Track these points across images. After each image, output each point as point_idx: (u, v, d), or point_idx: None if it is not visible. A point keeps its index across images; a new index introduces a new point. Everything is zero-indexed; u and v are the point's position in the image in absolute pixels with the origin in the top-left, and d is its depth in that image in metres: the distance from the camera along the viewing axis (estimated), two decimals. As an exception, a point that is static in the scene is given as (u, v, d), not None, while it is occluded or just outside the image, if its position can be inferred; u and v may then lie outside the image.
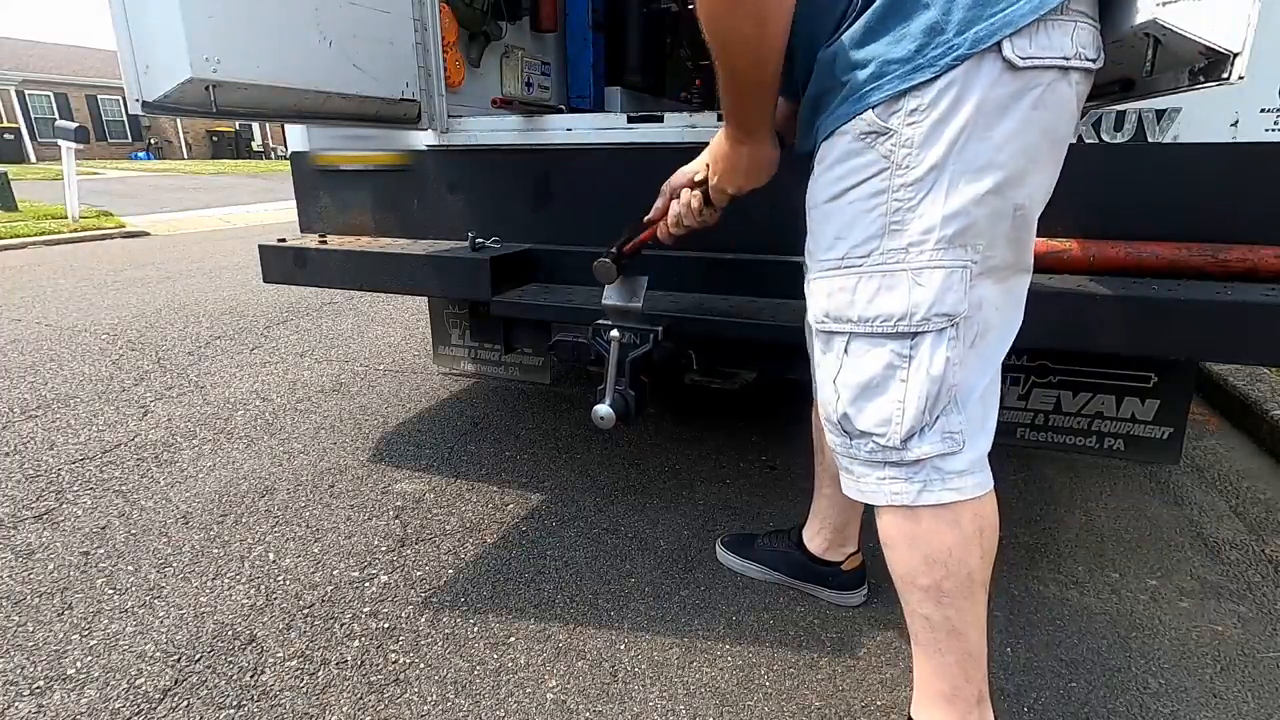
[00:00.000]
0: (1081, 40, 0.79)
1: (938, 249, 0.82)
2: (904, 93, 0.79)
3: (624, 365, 1.37)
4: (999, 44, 0.75)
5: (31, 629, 1.38)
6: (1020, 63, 0.76)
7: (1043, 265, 1.34)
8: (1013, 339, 0.95)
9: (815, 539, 1.46)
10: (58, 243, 6.79)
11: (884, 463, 0.92)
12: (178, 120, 25.14)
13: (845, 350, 0.91)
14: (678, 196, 1.30)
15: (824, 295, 0.92)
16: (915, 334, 0.86)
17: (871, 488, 0.94)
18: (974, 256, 0.84)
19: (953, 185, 0.80)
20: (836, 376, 0.92)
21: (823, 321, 0.93)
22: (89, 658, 1.31)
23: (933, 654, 1.00)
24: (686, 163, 1.64)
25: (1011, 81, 0.77)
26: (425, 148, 1.86)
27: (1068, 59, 0.78)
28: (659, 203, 1.27)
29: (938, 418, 0.88)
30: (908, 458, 0.90)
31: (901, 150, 0.81)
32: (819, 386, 0.98)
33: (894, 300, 0.85)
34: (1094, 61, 0.81)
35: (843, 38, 0.83)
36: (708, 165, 1.10)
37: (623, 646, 1.36)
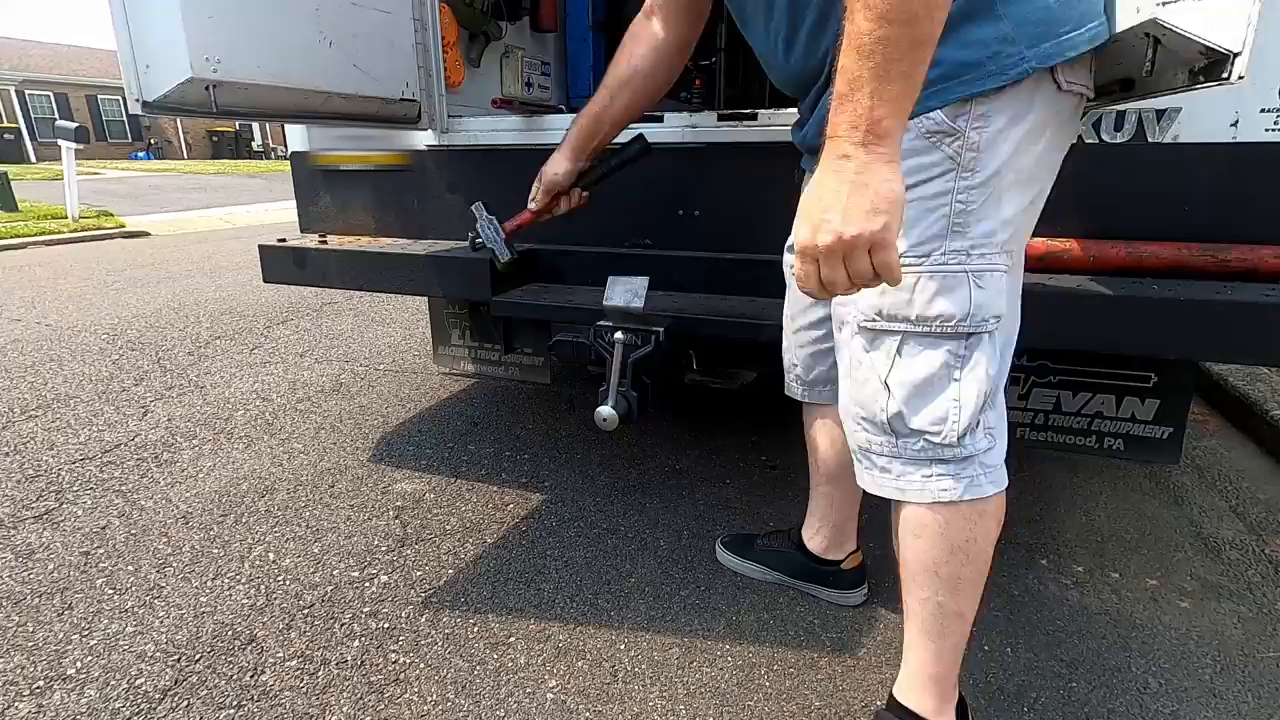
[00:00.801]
0: (1090, 76, 0.86)
1: (994, 252, 0.86)
2: (972, 97, 0.80)
3: (626, 367, 1.37)
4: (1054, 66, 0.80)
5: (31, 629, 1.38)
6: (1064, 85, 0.82)
7: (1043, 265, 1.34)
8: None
9: (815, 538, 1.46)
10: (58, 243, 6.79)
11: (932, 460, 0.92)
12: (178, 120, 25.13)
13: (898, 350, 0.90)
14: (566, 195, 1.40)
15: (876, 293, 0.89)
16: (971, 334, 0.88)
17: (915, 485, 0.94)
18: (1010, 261, 0.88)
19: (1009, 192, 0.84)
20: (888, 376, 0.91)
21: (873, 320, 0.91)
22: (89, 658, 1.31)
23: (935, 639, 1.02)
24: (687, 162, 1.65)
25: (1056, 101, 0.83)
26: (425, 148, 1.86)
27: (1087, 88, 0.86)
28: (542, 198, 1.39)
29: (983, 412, 0.91)
30: (960, 454, 0.91)
31: (968, 153, 0.82)
32: (858, 385, 0.96)
33: (955, 301, 0.86)
34: (1093, 97, 0.89)
35: None
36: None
37: (623, 646, 1.36)
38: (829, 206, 0.71)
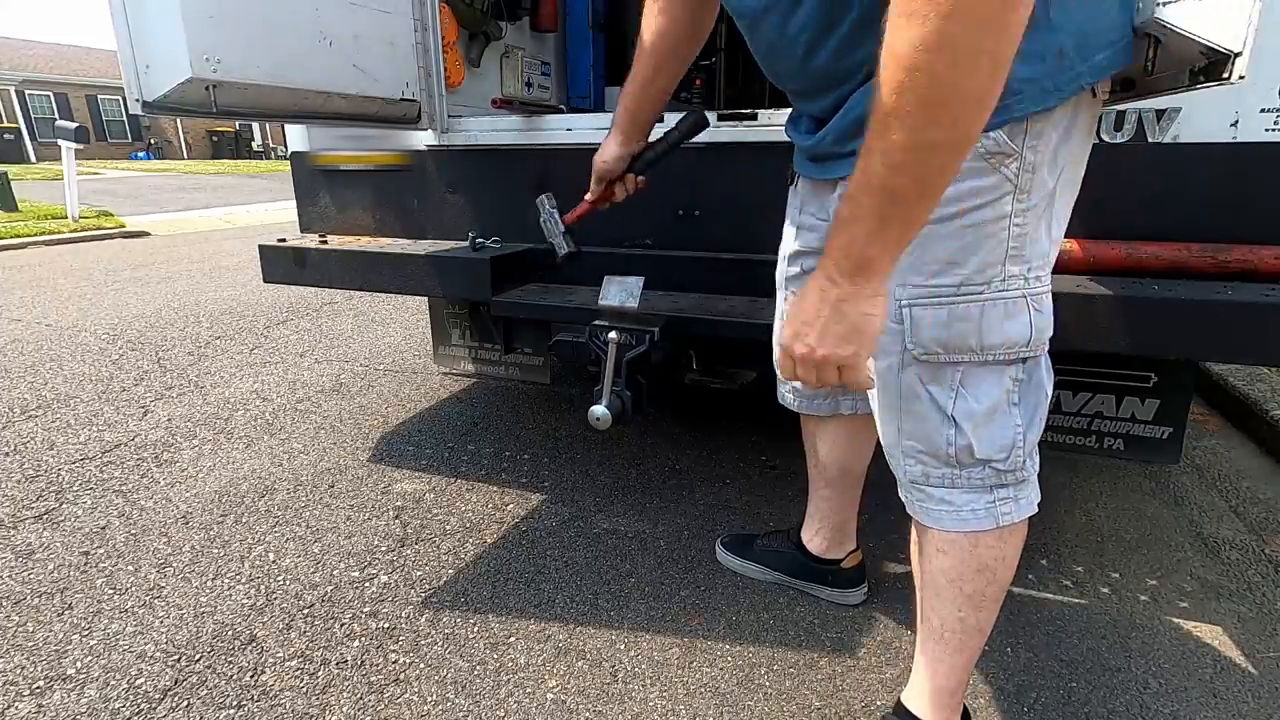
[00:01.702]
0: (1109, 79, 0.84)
1: (1046, 272, 0.85)
2: (1028, 115, 0.76)
3: (620, 366, 1.37)
4: None
5: (31, 629, 1.38)
6: (1099, 93, 0.80)
7: (1043, 265, 1.34)
8: None
9: (815, 539, 1.46)
10: (58, 243, 6.79)
11: (995, 486, 0.92)
12: (178, 120, 25.12)
13: (961, 382, 0.88)
14: (620, 181, 1.35)
15: (938, 325, 0.86)
16: (1029, 358, 0.87)
17: (980, 512, 0.93)
18: (1050, 280, 0.88)
19: (1060, 210, 0.83)
20: (954, 409, 0.89)
21: (935, 353, 0.87)
22: (89, 658, 1.31)
23: (953, 653, 1.02)
24: (687, 162, 1.64)
25: (1092, 110, 0.81)
26: (425, 148, 1.86)
27: (1109, 94, 0.83)
28: (595, 186, 1.35)
29: (1033, 438, 0.91)
30: (1021, 477, 0.91)
31: (1025, 175, 0.79)
32: (915, 419, 0.92)
33: (1018, 327, 0.84)
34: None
35: None
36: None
37: (623, 646, 1.36)
38: (809, 322, 0.75)
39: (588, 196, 1.38)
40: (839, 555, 1.45)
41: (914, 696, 1.08)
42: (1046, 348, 0.89)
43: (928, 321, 0.86)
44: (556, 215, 1.40)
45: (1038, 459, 0.95)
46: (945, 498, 0.94)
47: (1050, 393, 0.91)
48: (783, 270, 1.20)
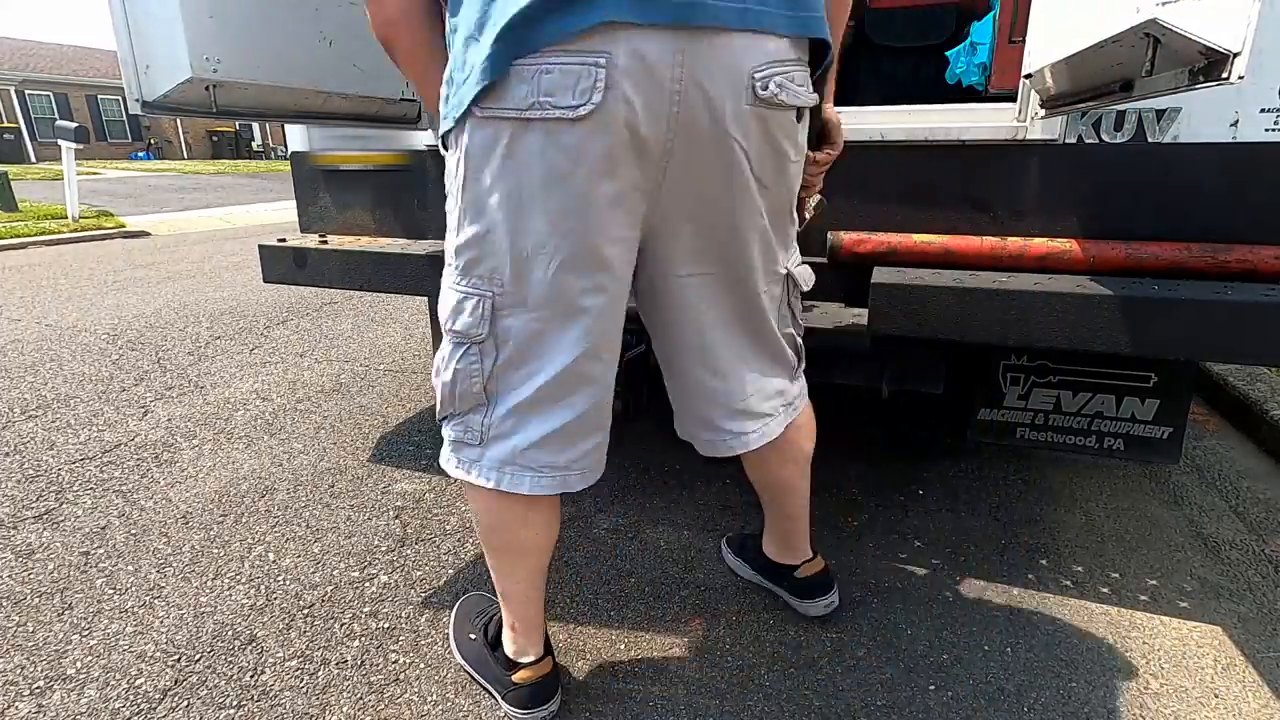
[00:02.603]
0: (549, 86, 0.74)
1: (455, 272, 0.92)
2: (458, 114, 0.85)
3: (620, 367, 1.37)
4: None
5: (31, 629, 1.38)
6: (479, 113, 0.79)
7: (1043, 265, 1.34)
8: (582, 381, 0.98)
9: (769, 544, 1.45)
10: (58, 243, 6.79)
11: (449, 437, 1.05)
12: (178, 120, 25.11)
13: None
14: None
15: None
16: (450, 334, 0.96)
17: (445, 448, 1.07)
18: (494, 289, 0.89)
19: (461, 219, 0.88)
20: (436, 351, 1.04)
21: None
22: (89, 658, 1.31)
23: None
24: None
25: (480, 129, 0.81)
26: (425, 148, 1.86)
27: (521, 111, 0.76)
28: None
29: (465, 414, 0.99)
30: (445, 434, 1.04)
31: (452, 159, 0.88)
32: None
33: (443, 304, 0.96)
34: (572, 109, 0.74)
35: None
36: None
37: (623, 646, 1.36)
38: None
39: None
40: (793, 561, 1.41)
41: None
42: (456, 340, 0.94)
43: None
44: None
45: (472, 440, 1.00)
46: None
47: (451, 382, 0.96)
48: None
